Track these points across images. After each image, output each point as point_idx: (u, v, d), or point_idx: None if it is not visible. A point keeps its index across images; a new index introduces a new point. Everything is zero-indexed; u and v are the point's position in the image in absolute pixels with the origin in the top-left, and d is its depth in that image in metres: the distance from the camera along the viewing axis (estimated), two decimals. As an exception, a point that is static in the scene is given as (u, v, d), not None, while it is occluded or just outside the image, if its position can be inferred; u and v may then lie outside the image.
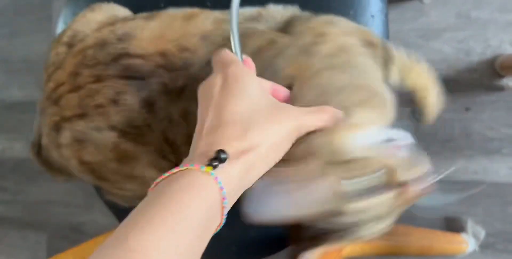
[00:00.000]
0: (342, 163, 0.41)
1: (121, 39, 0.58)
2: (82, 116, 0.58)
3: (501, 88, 1.06)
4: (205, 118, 0.40)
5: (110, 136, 0.57)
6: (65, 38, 0.64)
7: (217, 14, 0.59)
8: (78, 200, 1.54)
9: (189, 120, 0.54)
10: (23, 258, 1.65)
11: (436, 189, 0.43)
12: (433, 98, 0.60)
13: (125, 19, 0.63)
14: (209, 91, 0.41)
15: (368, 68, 0.50)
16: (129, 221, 0.33)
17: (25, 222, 1.66)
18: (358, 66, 0.49)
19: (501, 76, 1.05)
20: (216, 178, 0.35)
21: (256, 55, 0.50)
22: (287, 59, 0.49)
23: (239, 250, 0.67)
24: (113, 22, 0.62)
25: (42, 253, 1.61)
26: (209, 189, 0.35)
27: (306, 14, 0.57)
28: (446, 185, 0.43)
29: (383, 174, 0.40)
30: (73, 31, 0.64)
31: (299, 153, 0.42)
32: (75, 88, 0.58)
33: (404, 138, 0.44)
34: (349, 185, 0.39)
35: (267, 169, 0.40)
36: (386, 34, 0.61)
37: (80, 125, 0.58)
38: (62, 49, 0.63)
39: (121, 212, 0.75)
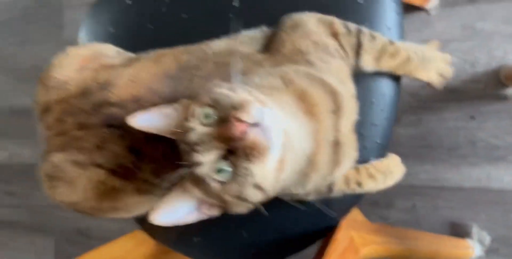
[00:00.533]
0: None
1: (102, 87, 0.58)
2: (62, 149, 0.58)
3: (505, 98, 1.08)
4: None
5: (95, 173, 0.57)
6: (49, 82, 0.62)
7: (179, 48, 0.62)
8: (87, 205, 1.55)
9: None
10: (30, 262, 1.66)
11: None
12: (418, 72, 0.62)
13: (108, 66, 0.62)
14: None
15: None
16: None
17: (33, 227, 1.67)
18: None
19: (505, 86, 1.08)
20: None
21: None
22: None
23: (257, 252, 0.68)
24: (96, 67, 0.62)
25: (49, 257, 1.62)
26: None
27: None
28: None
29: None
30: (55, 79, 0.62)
31: None
32: (60, 133, 0.59)
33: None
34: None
35: None
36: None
37: (57, 157, 0.58)
38: (47, 92, 0.62)
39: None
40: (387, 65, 0.60)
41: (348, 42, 0.58)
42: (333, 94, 0.51)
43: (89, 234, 1.57)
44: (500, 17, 1.10)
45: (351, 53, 0.58)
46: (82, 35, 0.81)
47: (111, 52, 0.68)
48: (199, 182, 0.45)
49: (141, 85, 0.57)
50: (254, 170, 0.43)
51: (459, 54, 1.12)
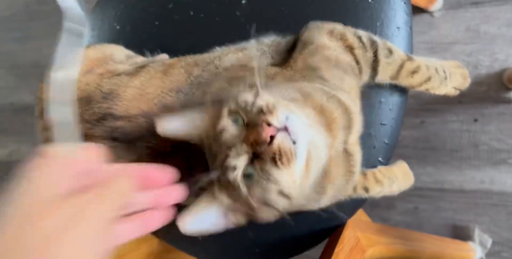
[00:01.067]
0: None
1: (106, 97, 0.57)
2: None
3: (508, 101, 1.09)
4: None
5: None
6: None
7: (188, 59, 0.61)
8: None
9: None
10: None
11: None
12: (436, 89, 0.61)
13: (113, 73, 0.61)
14: None
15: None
16: None
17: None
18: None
19: (508, 89, 1.08)
20: None
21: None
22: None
23: (262, 251, 0.68)
24: (102, 72, 0.61)
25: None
26: None
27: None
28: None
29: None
30: None
31: None
32: None
33: None
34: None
35: None
36: (410, 45, 0.63)
37: None
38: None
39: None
40: (406, 82, 0.59)
41: (364, 57, 0.57)
42: (347, 112, 0.52)
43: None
44: (503, 20, 1.10)
45: (367, 69, 0.57)
46: (86, 32, 0.80)
47: (120, 56, 0.67)
48: (228, 187, 0.45)
49: (151, 99, 0.56)
50: (280, 175, 0.43)
51: (462, 56, 1.12)
